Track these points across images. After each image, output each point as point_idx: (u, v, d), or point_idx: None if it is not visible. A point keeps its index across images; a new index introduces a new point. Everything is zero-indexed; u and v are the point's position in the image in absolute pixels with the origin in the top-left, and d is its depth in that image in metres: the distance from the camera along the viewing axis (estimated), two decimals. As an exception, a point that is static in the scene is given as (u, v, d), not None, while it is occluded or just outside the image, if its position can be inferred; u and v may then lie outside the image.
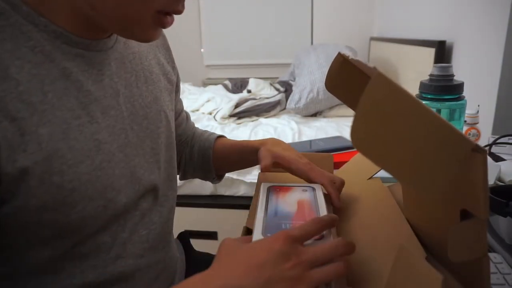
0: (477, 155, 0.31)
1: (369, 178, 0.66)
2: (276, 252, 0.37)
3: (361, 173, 0.69)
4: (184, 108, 0.81)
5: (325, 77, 0.60)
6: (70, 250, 0.45)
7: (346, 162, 0.91)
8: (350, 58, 0.53)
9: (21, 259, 0.44)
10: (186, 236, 0.82)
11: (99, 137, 0.46)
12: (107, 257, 0.48)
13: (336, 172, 0.78)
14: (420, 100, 0.32)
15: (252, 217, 0.61)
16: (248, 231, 0.57)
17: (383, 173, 0.64)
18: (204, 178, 0.84)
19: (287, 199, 0.54)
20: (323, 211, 0.50)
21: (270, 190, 0.57)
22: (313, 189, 0.58)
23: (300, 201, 0.53)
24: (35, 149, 0.39)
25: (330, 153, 0.80)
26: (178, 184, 1.76)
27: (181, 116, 0.77)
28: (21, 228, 0.41)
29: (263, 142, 0.70)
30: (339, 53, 0.58)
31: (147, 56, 0.59)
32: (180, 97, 0.77)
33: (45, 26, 0.42)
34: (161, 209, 0.58)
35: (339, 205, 0.59)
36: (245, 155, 0.74)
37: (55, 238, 0.44)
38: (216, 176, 0.82)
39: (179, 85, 0.72)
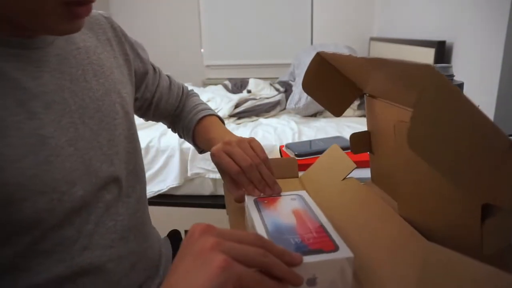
0: None
1: (344, 179, 0.65)
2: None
3: (333, 174, 0.68)
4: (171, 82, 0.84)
5: (303, 77, 0.60)
6: (33, 246, 0.46)
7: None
8: (330, 53, 0.53)
9: None
10: (176, 235, 0.84)
11: (42, 132, 0.46)
12: (73, 249, 0.50)
13: (303, 175, 0.77)
14: (465, 95, 0.32)
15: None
16: None
17: (355, 174, 0.65)
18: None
19: (280, 210, 0.53)
20: (322, 218, 0.50)
21: (258, 203, 0.56)
22: (301, 196, 0.57)
23: (296, 211, 0.52)
24: None
25: (294, 158, 0.80)
26: (177, 184, 1.77)
27: (158, 91, 0.80)
28: None
29: (213, 150, 0.66)
30: (317, 53, 0.57)
31: (95, 50, 0.59)
32: None
33: None
34: (128, 200, 0.59)
35: (257, 193, 0.59)
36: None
37: (13, 235, 0.44)
38: (203, 150, 0.85)
39: (148, 70, 0.75)
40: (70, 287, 0.50)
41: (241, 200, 0.61)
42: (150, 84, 0.76)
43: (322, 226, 0.47)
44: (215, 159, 0.63)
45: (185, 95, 0.87)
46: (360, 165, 0.78)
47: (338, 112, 0.64)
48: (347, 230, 0.54)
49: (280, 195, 0.58)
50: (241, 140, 0.64)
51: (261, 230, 0.47)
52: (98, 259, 0.52)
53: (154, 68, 0.80)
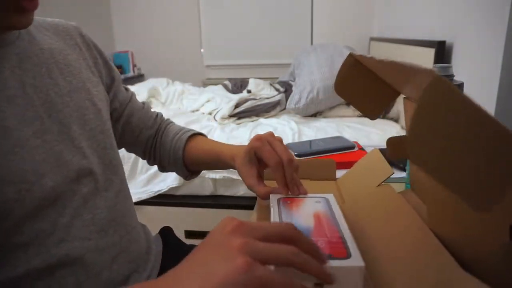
0: None
1: (379, 185, 0.64)
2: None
3: (368, 179, 0.67)
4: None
5: (335, 79, 0.57)
6: (7, 239, 0.47)
7: (346, 162, 0.91)
8: (363, 55, 0.50)
9: None
10: (167, 232, 0.85)
11: (6, 123, 0.48)
12: (49, 241, 0.50)
13: (340, 178, 0.77)
14: (478, 104, 0.29)
15: None
16: None
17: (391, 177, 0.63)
18: (178, 174, 0.86)
19: (301, 212, 0.52)
20: (342, 224, 0.48)
21: (280, 203, 0.55)
22: (326, 200, 0.56)
23: (316, 214, 0.51)
24: None
25: (332, 160, 0.79)
26: (177, 184, 1.77)
27: (130, 106, 0.79)
28: None
29: (232, 156, 0.69)
30: (350, 54, 0.55)
31: (61, 51, 0.61)
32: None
33: None
34: (105, 194, 0.60)
35: (286, 191, 0.59)
36: (219, 164, 0.75)
37: None
38: (190, 174, 0.84)
39: (115, 76, 0.75)
40: (49, 280, 0.50)
41: (265, 197, 0.60)
42: (119, 95, 0.76)
43: (339, 232, 0.46)
44: (258, 144, 0.63)
45: (164, 121, 0.86)
46: (337, 167, 0.78)
47: (373, 115, 0.60)
48: (371, 240, 0.52)
49: (306, 197, 0.57)
50: (275, 138, 0.65)
51: None
52: (76, 251, 0.53)
53: (126, 88, 0.81)
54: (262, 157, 0.62)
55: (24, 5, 0.47)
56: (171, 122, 0.87)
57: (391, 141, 0.62)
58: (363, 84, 0.56)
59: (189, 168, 0.83)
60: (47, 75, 0.57)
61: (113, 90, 0.74)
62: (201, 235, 1.66)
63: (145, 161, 0.87)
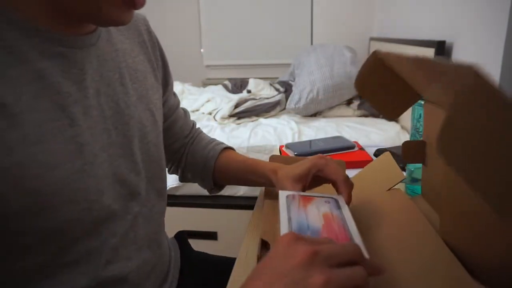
0: None
1: (390, 189, 0.63)
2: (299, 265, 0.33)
3: (379, 183, 0.66)
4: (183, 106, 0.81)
5: (356, 76, 0.56)
6: (57, 257, 0.44)
7: (346, 162, 0.91)
8: (388, 53, 0.49)
9: (3, 268, 0.42)
10: (183, 236, 0.82)
11: (80, 139, 0.44)
12: (97, 261, 0.48)
13: (351, 179, 0.75)
14: None
15: (269, 230, 0.58)
16: (263, 243, 0.56)
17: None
18: (202, 186, 0.81)
19: (310, 211, 0.51)
20: (352, 226, 0.48)
21: (289, 200, 0.54)
22: (336, 201, 0.55)
23: (326, 215, 0.50)
24: (5, 154, 0.37)
25: (342, 160, 0.78)
26: (177, 184, 1.77)
27: (176, 113, 0.76)
28: (2, 234, 0.40)
29: (273, 169, 0.67)
30: (374, 52, 0.53)
31: (130, 53, 0.57)
32: (180, 97, 0.76)
33: (23, 24, 0.41)
34: (146, 210, 0.57)
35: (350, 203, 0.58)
36: (253, 176, 0.72)
37: (39, 244, 0.42)
38: (215, 187, 0.80)
39: (170, 81, 0.71)
40: None
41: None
42: (170, 100, 0.73)
43: (348, 233, 0.46)
44: (323, 162, 0.61)
45: (198, 130, 0.83)
46: (356, 165, 0.77)
47: (393, 115, 0.59)
48: (379, 245, 0.52)
49: (315, 196, 0.56)
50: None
51: (284, 228, 0.45)
52: (120, 271, 0.51)
53: (175, 94, 0.77)
54: (329, 174, 0.60)
55: (137, 1, 0.44)
56: (201, 131, 0.84)
57: (406, 144, 0.62)
58: (384, 83, 0.54)
59: (217, 180, 0.79)
60: (119, 82, 0.53)
61: (166, 95, 0.70)
62: (201, 235, 1.66)
63: None
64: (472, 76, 0.28)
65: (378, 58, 0.53)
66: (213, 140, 0.81)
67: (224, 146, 0.79)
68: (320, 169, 0.61)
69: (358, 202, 0.65)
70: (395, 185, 0.63)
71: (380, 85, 0.55)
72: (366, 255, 0.41)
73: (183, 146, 0.79)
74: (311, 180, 0.62)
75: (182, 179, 0.83)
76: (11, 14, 0.40)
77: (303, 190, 0.61)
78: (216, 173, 0.77)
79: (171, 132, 0.75)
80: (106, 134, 0.49)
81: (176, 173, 0.82)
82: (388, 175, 0.65)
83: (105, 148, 0.48)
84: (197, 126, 0.86)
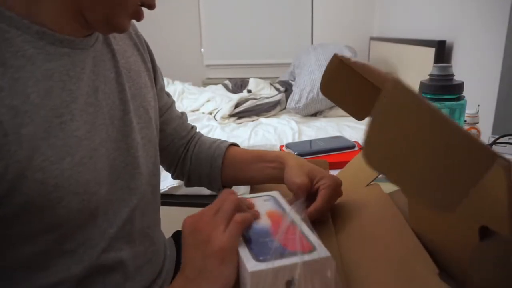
0: (499, 168, 0.28)
1: (368, 184, 0.63)
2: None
3: (358, 179, 0.67)
4: (184, 109, 0.80)
5: (320, 82, 0.56)
6: (57, 246, 0.47)
7: (346, 162, 0.91)
8: (350, 59, 0.51)
9: (4, 255, 0.45)
10: (180, 236, 0.82)
11: (78, 133, 0.47)
12: (93, 250, 0.50)
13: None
14: (438, 109, 0.29)
15: None
16: None
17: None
18: (210, 187, 0.80)
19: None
20: (297, 219, 0.48)
21: None
22: (273, 197, 0.56)
23: (269, 213, 0.51)
24: (17, 148, 0.41)
25: (325, 160, 0.77)
26: (177, 184, 1.77)
27: (169, 113, 0.76)
28: (6, 224, 0.43)
29: (284, 154, 0.67)
30: (334, 55, 0.54)
31: (124, 54, 0.60)
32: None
33: (28, 28, 0.43)
34: (143, 204, 0.59)
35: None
36: (263, 163, 0.71)
37: (39, 234, 0.45)
38: (223, 187, 0.79)
39: (160, 81, 0.72)
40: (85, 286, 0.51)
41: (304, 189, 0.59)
42: (161, 100, 0.73)
43: (297, 227, 0.46)
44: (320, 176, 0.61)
45: (197, 133, 0.82)
46: (337, 166, 0.76)
47: (361, 116, 0.59)
48: (348, 239, 0.52)
49: (252, 197, 0.56)
50: None
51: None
52: (114, 261, 0.53)
53: (168, 94, 0.78)
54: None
55: (141, 12, 0.50)
56: (202, 134, 0.83)
57: None
58: (349, 84, 0.55)
59: (225, 180, 0.77)
60: (115, 80, 0.56)
61: (157, 94, 0.71)
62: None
63: None
64: (391, 82, 0.29)
65: (339, 60, 0.53)
66: (217, 140, 0.81)
67: (229, 143, 0.78)
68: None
69: (339, 200, 0.65)
70: (372, 180, 0.63)
71: (345, 87, 0.55)
72: (319, 244, 0.42)
73: (181, 148, 0.78)
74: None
75: (188, 183, 0.81)
76: (19, 19, 0.43)
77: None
78: (224, 171, 0.76)
79: (165, 133, 0.75)
80: (104, 130, 0.51)
81: (182, 178, 0.81)
82: (368, 172, 0.65)
83: (103, 143, 0.51)
84: (198, 128, 0.85)
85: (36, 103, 0.43)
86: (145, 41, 0.69)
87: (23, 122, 0.42)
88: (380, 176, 0.63)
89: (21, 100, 0.42)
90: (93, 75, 0.52)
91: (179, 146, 0.78)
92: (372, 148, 0.30)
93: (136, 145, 0.57)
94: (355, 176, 0.69)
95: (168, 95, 0.77)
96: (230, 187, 0.80)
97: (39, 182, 0.42)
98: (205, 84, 3.08)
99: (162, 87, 0.74)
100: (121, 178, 0.54)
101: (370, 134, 0.30)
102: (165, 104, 0.75)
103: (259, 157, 0.72)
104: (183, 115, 0.81)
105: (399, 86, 0.29)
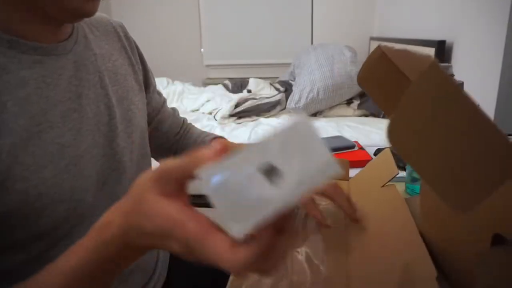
0: None
1: (383, 185, 0.63)
2: None
3: (375, 180, 0.66)
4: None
5: (359, 71, 0.53)
6: (44, 253, 0.46)
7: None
8: (393, 48, 0.47)
9: None
10: None
11: (61, 141, 0.46)
12: None
13: (352, 179, 0.76)
14: (476, 103, 0.27)
15: None
16: None
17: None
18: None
19: None
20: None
21: None
22: None
23: None
24: None
25: (346, 160, 0.77)
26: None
27: (162, 112, 0.76)
28: None
29: None
30: (378, 46, 0.52)
31: (110, 57, 0.59)
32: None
33: None
34: None
35: None
36: None
37: (27, 243, 0.44)
38: None
39: (151, 82, 0.72)
40: None
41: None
42: (153, 101, 0.74)
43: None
44: None
45: (188, 125, 0.83)
46: (356, 165, 0.76)
47: (392, 113, 0.57)
48: (361, 239, 0.52)
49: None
50: None
51: None
52: None
53: (159, 93, 0.78)
54: None
55: None
56: (192, 125, 0.83)
57: None
58: (387, 79, 0.53)
59: None
60: (99, 85, 0.55)
61: (149, 95, 0.72)
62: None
63: None
64: (428, 64, 0.27)
65: (383, 52, 0.51)
66: (203, 132, 0.81)
67: (214, 135, 0.78)
68: None
69: (355, 200, 0.65)
70: (389, 181, 0.63)
71: (384, 81, 0.53)
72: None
73: (175, 144, 0.79)
74: None
75: None
76: None
77: None
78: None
79: (160, 132, 0.76)
80: (90, 136, 0.51)
81: None
82: (384, 172, 0.65)
83: (89, 149, 0.50)
84: (194, 124, 0.85)
85: (13, 111, 0.42)
86: (135, 43, 0.69)
87: (1, 132, 0.40)
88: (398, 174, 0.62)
89: None
90: (75, 80, 0.51)
91: (173, 142, 0.79)
92: (399, 127, 0.28)
93: (121, 150, 0.56)
94: (372, 177, 0.69)
95: (159, 94, 0.78)
96: None
97: (20, 192, 0.41)
98: (205, 84, 3.08)
99: (155, 88, 0.74)
100: (107, 184, 0.53)
101: (401, 112, 0.28)
102: (158, 104, 0.75)
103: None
104: (174, 111, 0.81)
105: (436, 69, 0.27)
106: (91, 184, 0.50)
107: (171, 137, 0.78)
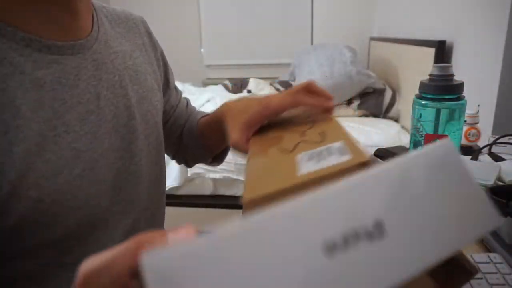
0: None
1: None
2: None
3: None
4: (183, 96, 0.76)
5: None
6: (57, 259, 0.45)
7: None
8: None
9: (4, 268, 0.43)
10: None
11: (77, 145, 0.44)
12: None
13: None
14: None
15: None
16: None
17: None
18: (202, 159, 0.75)
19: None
20: None
21: None
22: None
23: None
24: (10, 167, 0.38)
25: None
26: (178, 184, 1.76)
27: (179, 108, 0.73)
28: (4, 240, 0.40)
29: (224, 110, 0.56)
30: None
31: (131, 55, 0.57)
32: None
33: (13, 35, 0.41)
34: (147, 212, 0.57)
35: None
36: (214, 127, 0.63)
37: (41, 248, 0.43)
38: (213, 160, 0.75)
39: (171, 79, 0.70)
40: None
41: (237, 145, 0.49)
42: (172, 98, 0.72)
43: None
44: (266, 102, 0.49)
45: (190, 108, 0.77)
46: None
47: None
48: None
49: None
50: None
51: None
52: None
53: (176, 88, 0.75)
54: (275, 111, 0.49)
55: None
56: (192, 111, 0.77)
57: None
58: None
59: (207, 150, 0.71)
60: (119, 84, 0.52)
61: (168, 93, 0.69)
62: (201, 235, 1.66)
63: None
64: None
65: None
66: (198, 111, 0.76)
67: (205, 113, 0.73)
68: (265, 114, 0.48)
69: None
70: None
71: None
72: None
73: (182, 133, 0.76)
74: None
75: (186, 164, 0.78)
76: (3, 26, 0.41)
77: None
78: (200, 138, 0.70)
79: (176, 126, 0.73)
80: (107, 139, 0.48)
81: (183, 162, 0.78)
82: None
83: (106, 153, 0.48)
84: (189, 87, 0.81)
85: (27, 116, 0.40)
86: (156, 41, 0.66)
87: (16, 139, 0.39)
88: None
89: (11, 113, 0.39)
90: (94, 80, 0.48)
91: (180, 133, 0.75)
92: None
93: (139, 152, 0.54)
94: None
95: (176, 89, 0.74)
96: (218, 157, 0.75)
97: (33, 199, 0.40)
98: (205, 84, 3.08)
99: (174, 84, 0.72)
100: (123, 189, 0.51)
101: None
102: (176, 100, 0.73)
103: (210, 124, 0.65)
104: (188, 102, 0.76)
105: None
106: (106, 189, 0.47)
107: (180, 128, 0.75)
